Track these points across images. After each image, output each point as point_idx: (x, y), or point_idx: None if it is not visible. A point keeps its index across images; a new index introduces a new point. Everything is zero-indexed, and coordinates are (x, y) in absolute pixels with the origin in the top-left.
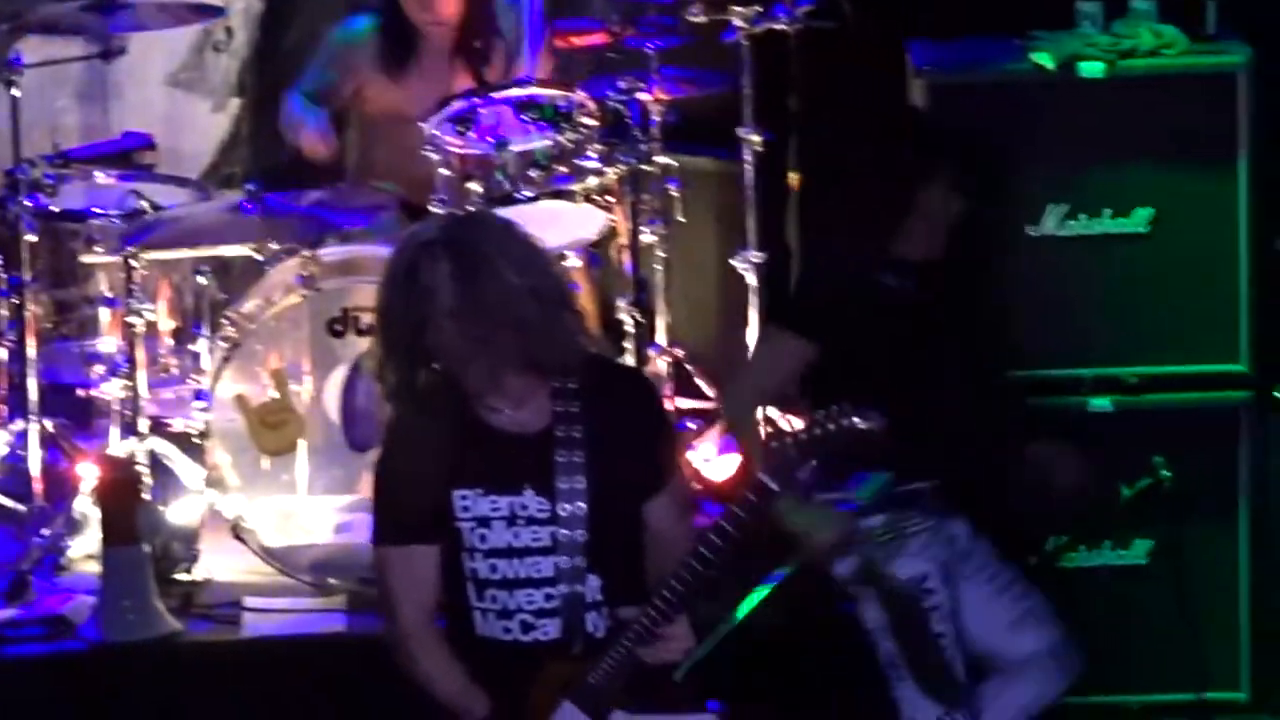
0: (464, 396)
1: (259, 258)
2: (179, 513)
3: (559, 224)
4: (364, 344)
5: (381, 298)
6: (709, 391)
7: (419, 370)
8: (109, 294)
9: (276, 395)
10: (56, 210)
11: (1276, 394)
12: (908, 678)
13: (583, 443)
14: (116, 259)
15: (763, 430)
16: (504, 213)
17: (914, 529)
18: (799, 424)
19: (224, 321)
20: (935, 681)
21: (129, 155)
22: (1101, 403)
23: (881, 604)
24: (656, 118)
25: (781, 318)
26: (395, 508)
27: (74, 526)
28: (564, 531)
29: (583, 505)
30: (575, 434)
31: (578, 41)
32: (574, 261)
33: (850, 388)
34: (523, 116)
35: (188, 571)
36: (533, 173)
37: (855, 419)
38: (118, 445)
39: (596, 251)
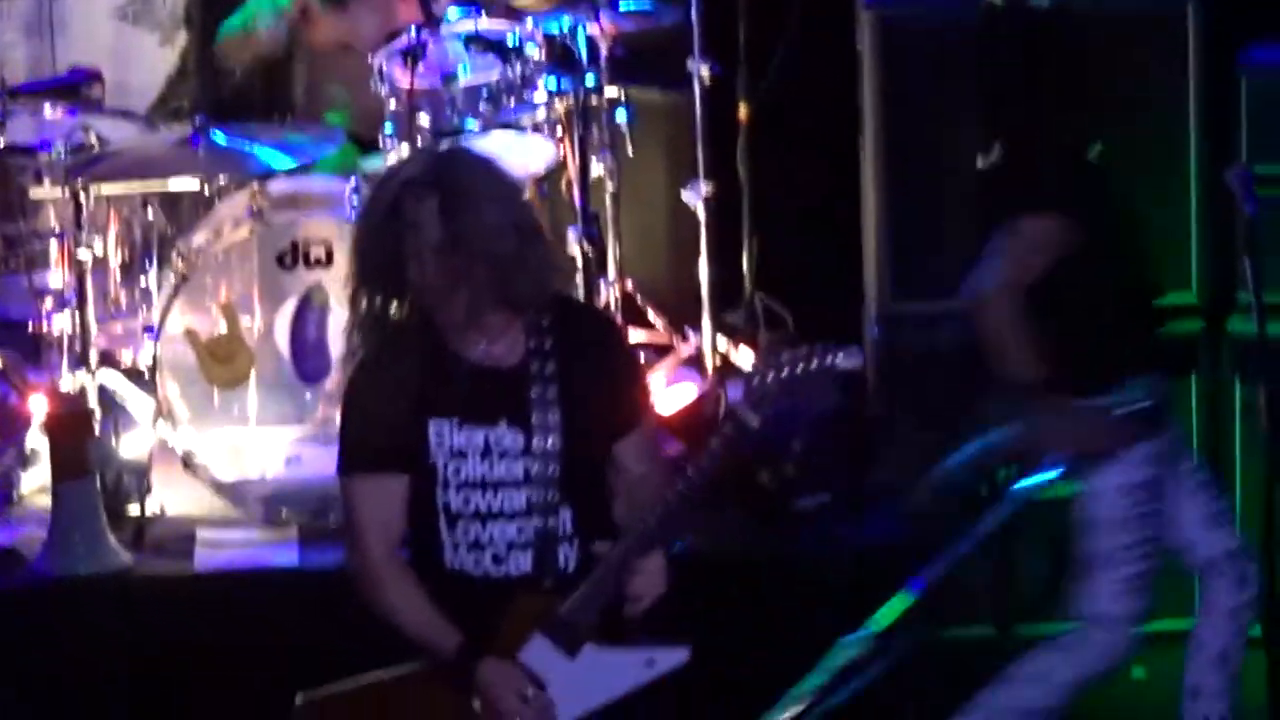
0: (438, 330)
1: (207, 192)
2: (130, 446)
3: (508, 157)
4: (313, 277)
5: (362, 232)
6: (658, 323)
7: (395, 303)
8: (57, 228)
9: (226, 328)
10: (4, 145)
11: (1228, 325)
12: (1111, 571)
13: (556, 378)
14: (65, 193)
15: None
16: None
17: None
18: (785, 357)
19: (173, 255)
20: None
21: (76, 89)
22: None
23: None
24: (605, 50)
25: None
26: (365, 436)
27: (24, 460)
28: (537, 466)
29: (557, 440)
30: (549, 370)
31: None
32: (525, 193)
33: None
34: (471, 50)
35: (139, 505)
36: (481, 105)
37: (839, 357)
38: (68, 379)
39: (545, 184)
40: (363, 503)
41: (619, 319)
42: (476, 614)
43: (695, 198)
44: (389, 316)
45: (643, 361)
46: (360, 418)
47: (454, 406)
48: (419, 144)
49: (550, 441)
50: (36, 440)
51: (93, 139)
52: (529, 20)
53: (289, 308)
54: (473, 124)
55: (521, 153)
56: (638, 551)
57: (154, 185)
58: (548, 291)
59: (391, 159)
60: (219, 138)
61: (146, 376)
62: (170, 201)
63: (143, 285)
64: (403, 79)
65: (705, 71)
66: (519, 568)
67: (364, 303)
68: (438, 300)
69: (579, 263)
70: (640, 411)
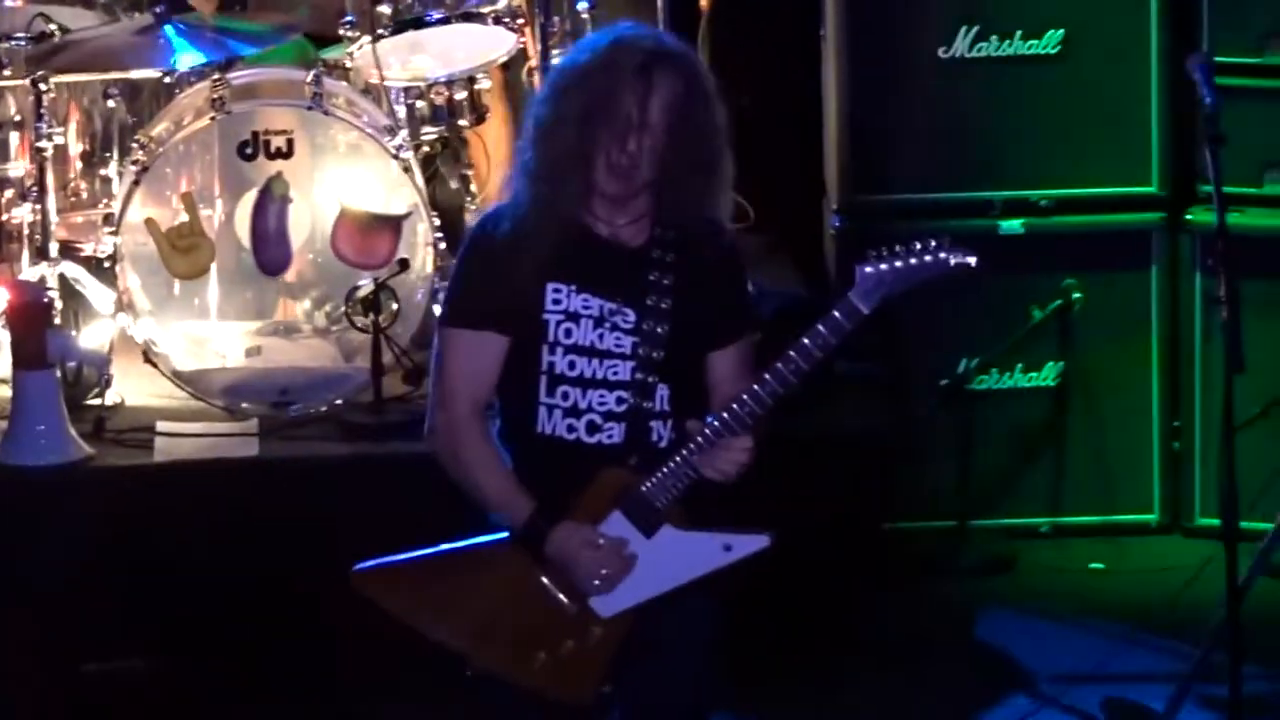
0: (577, 195)
1: (168, 80)
2: (90, 337)
3: (469, 46)
4: (274, 167)
5: (577, 80)
6: None
7: (568, 161)
8: (18, 118)
9: (187, 219)
10: None
11: (1188, 216)
12: None
13: (675, 269)
14: (25, 83)
15: None
16: (413, 36)
17: None
18: (902, 248)
19: (134, 145)
20: None
21: None
22: (1012, 225)
23: None
24: None
25: None
26: (479, 290)
27: None
28: (644, 346)
29: (665, 326)
30: (669, 259)
31: None
32: (485, 84)
33: None
34: None
35: (99, 396)
36: None
37: (953, 253)
38: (28, 270)
39: (507, 74)
40: (461, 356)
41: None
42: (559, 481)
43: None
44: (548, 171)
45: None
46: (479, 271)
47: (576, 273)
48: (379, 34)
49: (660, 326)
50: None
51: (53, 28)
52: None
53: (250, 198)
54: (434, 14)
55: (483, 42)
56: (730, 427)
57: (115, 74)
58: (700, 215)
59: (353, 49)
60: (180, 27)
61: (107, 267)
62: (131, 91)
63: (103, 175)
64: None
65: None
66: (611, 438)
67: (542, 149)
68: (622, 174)
69: None
70: (746, 327)
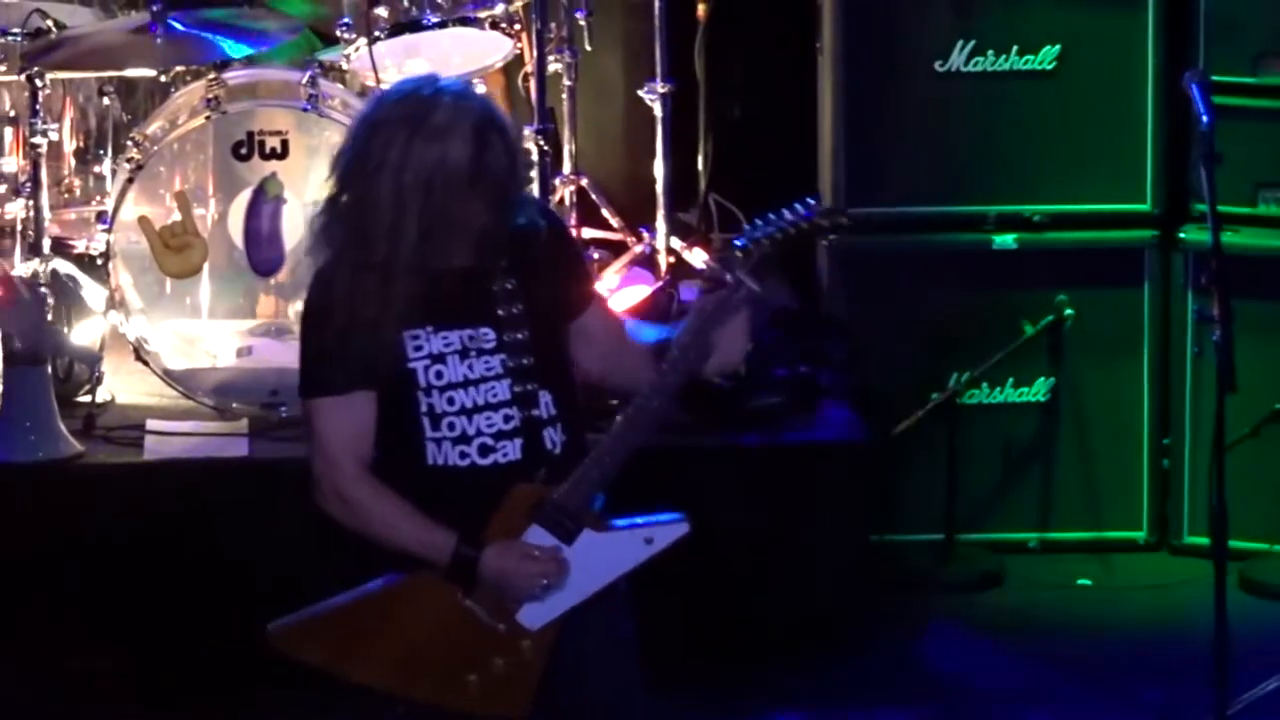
0: (402, 241)
1: (164, 79)
2: (82, 334)
3: (465, 51)
4: (268, 167)
5: (390, 145)
6: (612, 221)
7: (419, 225)
8: (12, 113)
9: (180, 218)
10: None
11: (1181, 234)
12: None
13: (512, 272)
14: (20, 78)
15: None
16: (409, 39)
17: None
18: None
19: (128, 143)
20: None
21: None
22: (1005, 240)
23: None
24: None
25: None
26: (337, 354)
27: None
28: (511, 359)
29: (525, 331)
30: (504, 265)
31: None
32: (482, 89)
33: None
34: None
35: (90, 393)
36: None
37: (827, 215)
38: (21, 266)
39: (506, 78)
40: (337, 423)
41: (574, 215)
42: (463, 508)
43: (653, 95)
44: (367, 228)
45: (595, 257)
46: (332, 335)
47: (428, 313)
48: (376, 37)
49: (520, 333)
50: None
51: (50, 24)
52: None
53: (243, 198)
54: (431, 18)
55: (479, 47)
56: (652, 408)
57: (110, 72)
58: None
59: (350, 51)
60: (176, 25)
61: (99, 264)
62: (126, 88)
63: (97, 172)
64: None
65: None
66: (508, 456)
67: (347, 208)
68: (449, 226)
69: (535, 159)
70: (591, 283)
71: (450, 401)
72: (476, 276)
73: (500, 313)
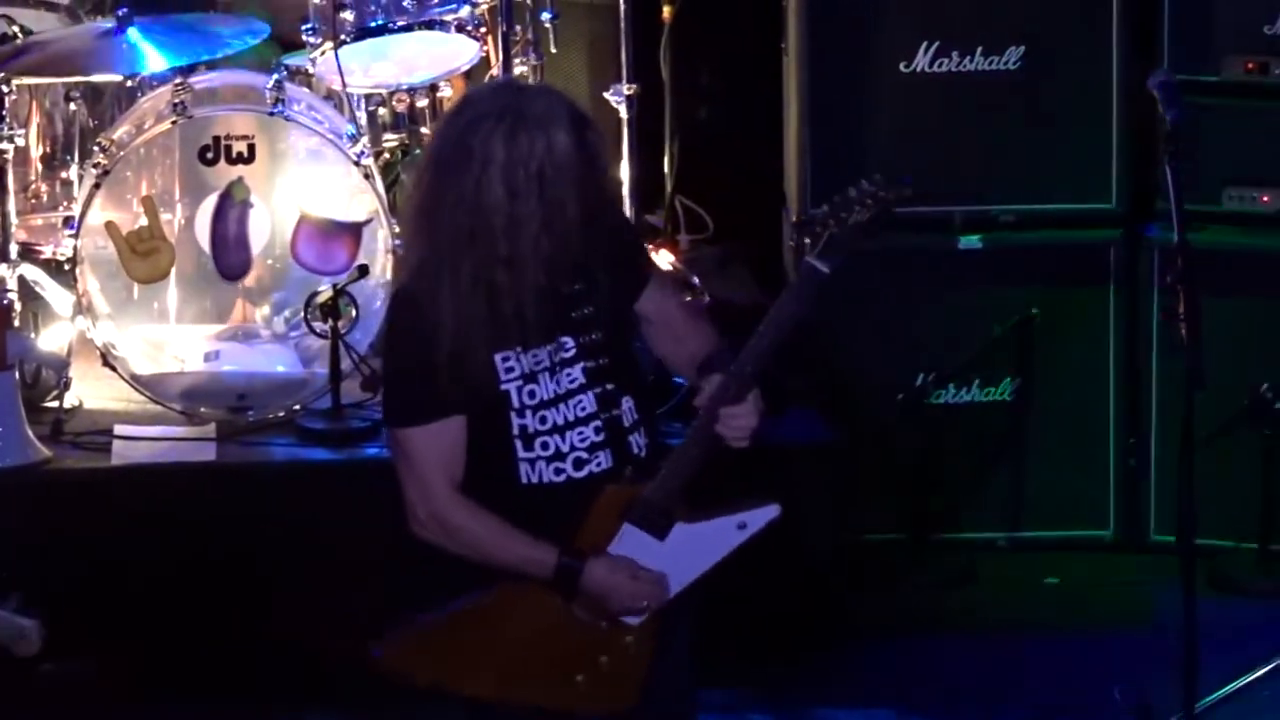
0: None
1: (130, 84)
2: (49, 339)
3: (432, 55)
4: (235, 172)
5: (538, 142)
6: None
7: (540, 217)
8: None
9: (147, 223)
10: None
11: (1147, 233)
12: None
13: (577, 272)
14: None
15: None
16: (375, 43)
17: None
18: (848, 202)
19: (95, 148)
20: None
21: None
22: (971, 240)
23: None
24: None
25: None
26: (430, 379)
27: None
28: (591, 364)
29: (599, 332)
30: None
31: None
32: (448, 91)
33: None
34: None
35: (58, 399)
36: (406, 3)
37: (894, 189)
38: None
39: (468, 81)
40: (428, 450)
41: None
42: (555, 521)
43: (618, 98)
44: (479, 228)
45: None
46: (419, 358)
47: (514, 333)
48: (342, 41)
49: (595, 334)
50: None
51: (15, 30)
52: None
53: (210, 203)
54: (397, 22)
55: (445, 51)
56: (727, 399)
57: (76, 77)
58: None
59: (315, 56)
60: (142, 30)
61: (66, 270)
62: (93, 93)
63: (64, 178)
64: None
65: None
66: (601, 466)
67: (451, 211)
68: (563, 218)
69: None
70: (648, 259)
71: (542, 420)
72: (547, 285)
73: (574, 316)
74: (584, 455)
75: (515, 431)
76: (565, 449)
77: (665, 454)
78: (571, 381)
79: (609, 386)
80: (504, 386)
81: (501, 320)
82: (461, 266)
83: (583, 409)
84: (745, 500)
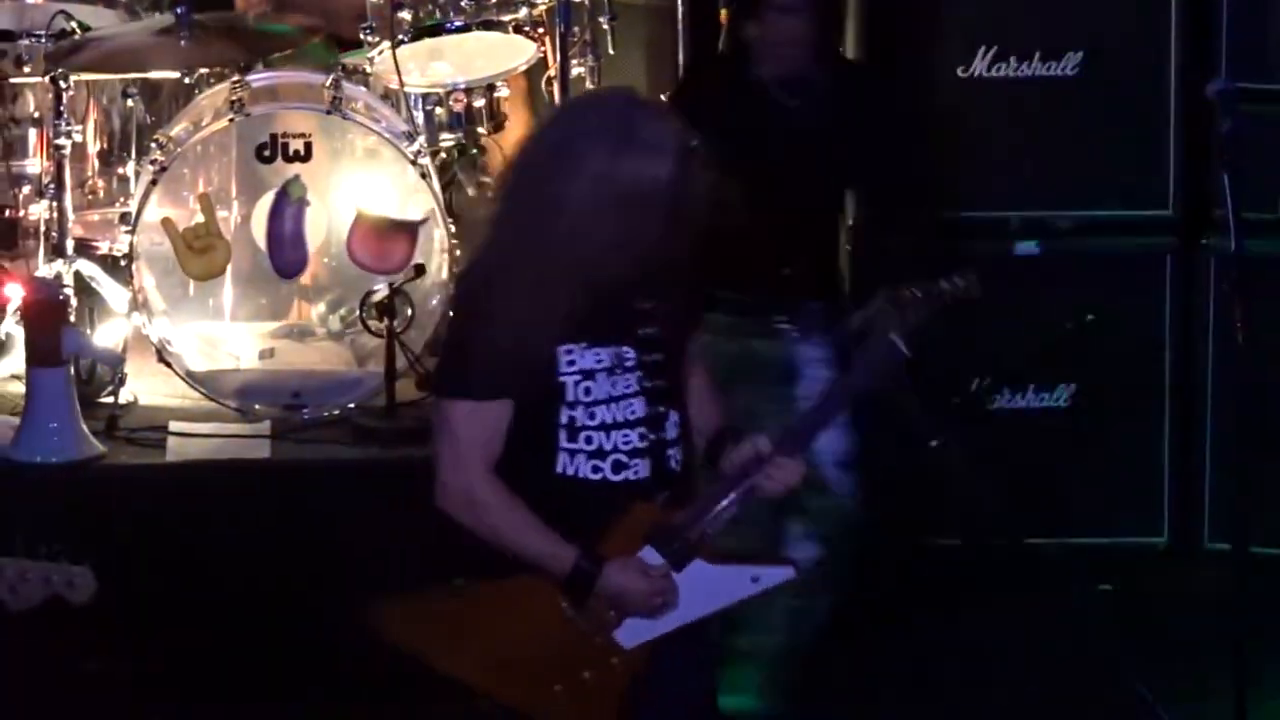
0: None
1: (188, 81)
2: (104, 335)
3: (489, 55)
4: (291, 170)
5: (639, 167)
6: None
7: (610, 237)
8: (36, 115)
9: (203, 219)
10: None
11: (1203, 240)
12: None
13: (648, 290)
14: (44, 80)
15: None
16: (433, 42)
17: None
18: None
19: (152, 145)
20: None
21: None
22: (1028, 245)
23: None
24: None
25: None
26: (488, 360)
27: (0, 347)
28: (647, 379)
29: (660, 354)
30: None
31: None
32: (504, 91)
33: None
34: None
35: (113, 394)
36: (464, 2)
37: (969, 282)
38: (44, 267)
39: (529, 81)
40: (476, 426)
41: None
42: (585, 519)
43: None
44: (548, 231)
45: None
46: (481, 337)
47: (582, 329)
48: (400, 40)
49: (656, 354)
50: (11, 327)
51: (74, 26)
52: None
53: (266, 201)
54: (455, 21)
55: (503, 51)
56: (783, 451)
57: (134, 73)
58: None
59: (373, 55)
60: (201, 27)
61: (122, 266)
62: (150, 90)
63: (121, 174)
64: None
65: None
66: (638, 474)
67: (530, 207)
68: (635, 243)
69: None
70: (702, 311)
71: (591, 416)
72: (626, 295)
73: (640, 333)
74: (624, 459)
75: (562, 420)
76: (608, 447)
77: (696, 471)
78: (627, 387)
79: (660, 406)
80: (561, 378)
81: (568, 315)
82: (537, 257)
83: (632, 412)
84: (765, 555)
